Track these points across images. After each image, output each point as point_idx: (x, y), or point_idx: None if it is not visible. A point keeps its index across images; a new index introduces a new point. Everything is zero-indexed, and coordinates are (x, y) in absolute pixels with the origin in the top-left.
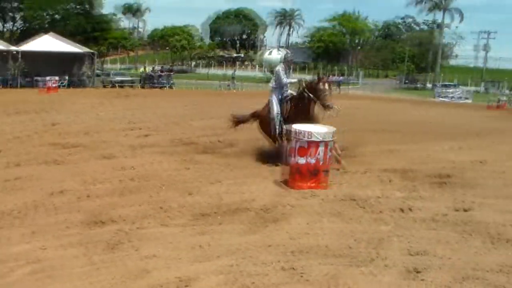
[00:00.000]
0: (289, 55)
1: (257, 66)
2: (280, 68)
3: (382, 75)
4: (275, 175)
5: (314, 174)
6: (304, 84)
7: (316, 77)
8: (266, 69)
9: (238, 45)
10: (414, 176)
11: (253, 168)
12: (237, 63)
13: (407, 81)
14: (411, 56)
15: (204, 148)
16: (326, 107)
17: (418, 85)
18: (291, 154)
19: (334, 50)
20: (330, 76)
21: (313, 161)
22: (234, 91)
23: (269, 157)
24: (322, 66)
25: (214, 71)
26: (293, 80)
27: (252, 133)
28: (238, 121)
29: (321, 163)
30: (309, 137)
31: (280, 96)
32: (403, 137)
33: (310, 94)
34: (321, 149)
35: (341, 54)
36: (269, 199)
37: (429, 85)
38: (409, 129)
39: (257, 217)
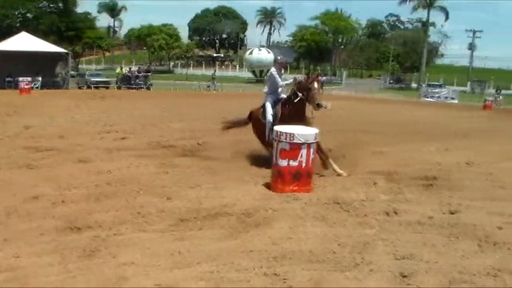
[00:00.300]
0: (279, 57)
1: (237, 66)
2: (273, 71)
3: (366, 75)
4: (257, 179)
5: (296, 177)
6: (296, 84)
7: (307, 76)
8: (248, 69)
9: (217, 44)
10: (399, 178)
11: (234, 171)
12: (217, 63)
13: (392, 81)
14: (396, 56)
15: (183, 151)
16: (317, 106)
17: (404, 85)
18: (274, 156)
19: (316, 49)
20: (322, 75)
21: (295, 164)
22: (214, 92)
23: (253, 160)
24: (305, 65)
25: (193, 71)
26: (288, 81)
27: (233, 136)
28: (231, 126)
29: (303, 166)
30: (291, 139)
31: (274, 100)
32: (388, 138)
33: (302, 94)
34: (303, 151)
35: (324, 54)
36: (251, 203)
37: (414, 85)
38: (394, 130)
39: (238, 221)
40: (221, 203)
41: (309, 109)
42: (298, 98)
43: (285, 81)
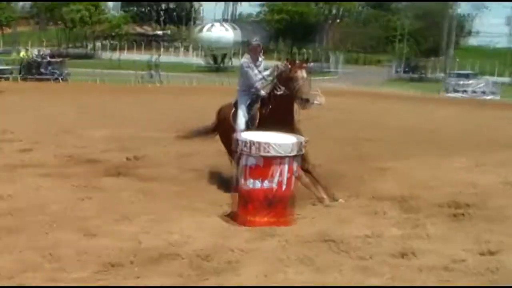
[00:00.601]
0: (255, 40)
1: (190, 48)
2: (244, 62)
3: (371, 61)
4: (216, 207)
5: (273, 204)
6: (277, 75)
7: (288, 63)
8: (204, 53)
9: (161, 18)
10: (417, 205)
11: (184, 196)
12: (162, 44)
13: (406, 69)
14: (411, 34)
15: (112, 169)
16: (304, 103)
17: (421, 75)
18: (240, 175)
19: (301, 25)
20: (308, 62)
21: (272, 185)
22: (158, 85)
23: (211, 181)
24: (285, 48)
25: (129, 56)
26: (267, 72)
27: (182, 147)
28: (195, 135)
29: (283, 188)
30: (266, 150)
31: (251, 100)
32: (401, 150)
33: (283, 88)
34: (283, 167)
35: (312, 31)
36: (208, 241)
37: (437, 75)
38: (409, 138)
39: (192, 267)
40: (166, 241)
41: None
42: (280, 93)
43: (265, 72)
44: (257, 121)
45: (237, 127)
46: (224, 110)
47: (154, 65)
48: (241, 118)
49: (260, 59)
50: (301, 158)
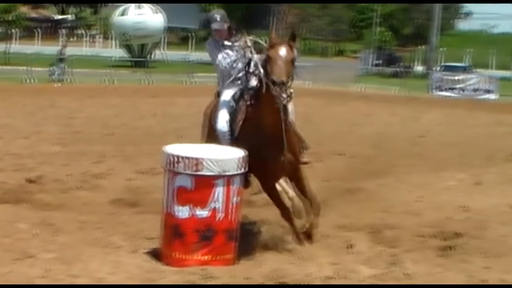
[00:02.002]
0: (216, 17)
1: (100, 37)
2: (208, 44)
3: (334, 52)
4: (137, 242)
5: (207, 237)
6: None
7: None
8: (119, 42)
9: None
10: (394, 236)
11: (95, 228)
12: (63, 32)
13: (379, 62)
14: (386, 17)
15: (5, 194)
16: (275, 88)
17: (400, 69)
18: (165, 200)
19: (244, 6)
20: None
21: (205, 213)
22: (58, 84)
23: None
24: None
25: (20, 47)
26: (253, 56)
27: (82, 164)
28: None
29: (220, 216)
30: (197, 168)
31: (239, 92)
32: (375, 164)
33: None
34: (219, 190)
35: (258, 14)
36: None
37: (419, 68)
38: (386, 150)
39: None
40: None
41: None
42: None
43: (251, 55)
44: (240, 122)
45: (217, 129)
46: (210, 107)
47: (57, 59)
48: (221, 118)
49: (239, 43)
50: (296, 177)
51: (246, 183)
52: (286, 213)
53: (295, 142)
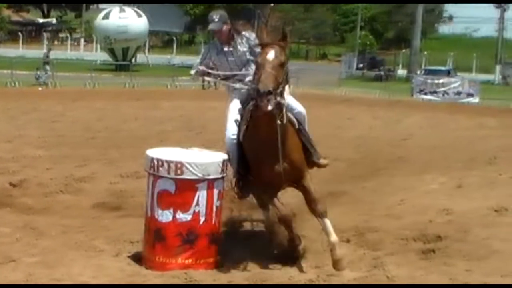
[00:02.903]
0: (213, 17)
1: (82, 41)
2: (205, 49)
3: (317, 55)
4: (119, 246)
5: (190, 241)
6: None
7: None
8: (102, 46)
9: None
10: (377, 240)
11: (78, 232)
12: (46, 35)
13: (361, 65)
14: (369, 20)
15: None
16: (258, 97)
17: (383, 72)
18: (148, 204)
19: (226, 8)
20: (286, 37)
21: (187, 217)
22: (42, 88)
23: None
24: (205, 38)
25: (3, 51)
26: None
27: (66, 168)
28: None
29: (202, 220)
30: (179, 171)
31: (241, 100)
32: (358, 168)
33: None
34: (201, 194)
35: (239, 18)
36: None
37: (401, 72)
38: (368, 153)
39: None
40: None
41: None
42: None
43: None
44: (244, 126)
45: (226, 136)
46: None
47: (43, 62)
48: (230, 123)
49: (239, 41)
50: (304, 189)
51: (244, 192)
52: (283, 219)
53: (296, 150)
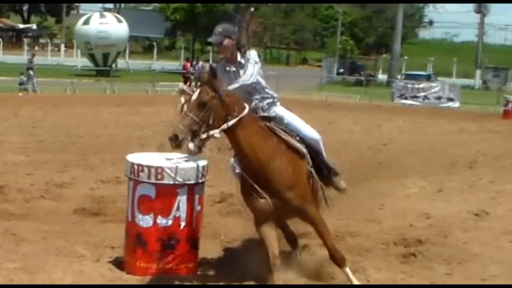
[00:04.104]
0: (216, 30)
1: (62, 46)
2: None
3: (298, 60)
4: (100, 251)
5: (170, 246)
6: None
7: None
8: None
9: (26, 8)
10: (357, 244)
11: (58, 238)
12: (27, 41)
13: (342, 70)
14: (349, 26)
15: None
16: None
17: (363, 77)
18: (128, 209)
19: (206, 15)
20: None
21: (167, 222)
22: (28, 92)
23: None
24: (185, 43)
25: None
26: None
27: (46, 173)
28: None
29: (182, 225)
30: (159, 177)
31: None
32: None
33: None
34: (182, 199)
35: (219, 23)
36: None
37: (382, 77)
38: (348, 158)
39: None
40: None
41: None
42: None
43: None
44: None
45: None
46: None
47: (27, 68)
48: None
49: (243, 62)
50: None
51: None
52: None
53: (287, 180)
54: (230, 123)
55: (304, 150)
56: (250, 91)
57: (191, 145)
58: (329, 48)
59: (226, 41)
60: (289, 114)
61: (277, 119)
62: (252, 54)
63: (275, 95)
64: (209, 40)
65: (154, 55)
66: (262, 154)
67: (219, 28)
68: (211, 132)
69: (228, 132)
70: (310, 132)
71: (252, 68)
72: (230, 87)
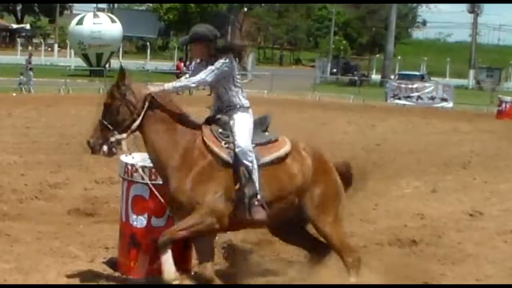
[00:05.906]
0: (186, 35)
1: (55, 46)
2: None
3: (291, 60)
4: (95, 251)
5: None
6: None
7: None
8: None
9: (19, 8)
10: (352, 244)
11: (52, 239)
12: (20, 41)
13: (335, 70)
14: (343, 26)
15: None
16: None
17: (357, 78)
18: (122, 209)
19: (198, 14)
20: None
21: (161, 222)
22: (15, 94)
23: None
24: (178, 43)
25: None
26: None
27: (40, 174)
28: None
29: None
30: (153, 177)
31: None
32: None
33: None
34: None
35: (212, 23)
36: None
37: (375, 77)
38: (341, 159)
39: None
40: None
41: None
42: None
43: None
44: None
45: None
46: None
47: (26, 68)
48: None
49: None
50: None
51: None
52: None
53: (181, 183)
54: (134, 125)
55: (227, 158)
56: (219, 94)
57: (105, 148)
58: (322, 48)
59: (194, 45)
60: (241, 124)
61: (221, 123)
62: (219, 62)
63: (243, 102)
64: (180, 41)
65: (148, 55)
66: (163, 155)
67: (192, 31)
68: (117, 136)
69: (140, 132)
70: (243, 146)
71: (203, 74)
72: (172, 85)
